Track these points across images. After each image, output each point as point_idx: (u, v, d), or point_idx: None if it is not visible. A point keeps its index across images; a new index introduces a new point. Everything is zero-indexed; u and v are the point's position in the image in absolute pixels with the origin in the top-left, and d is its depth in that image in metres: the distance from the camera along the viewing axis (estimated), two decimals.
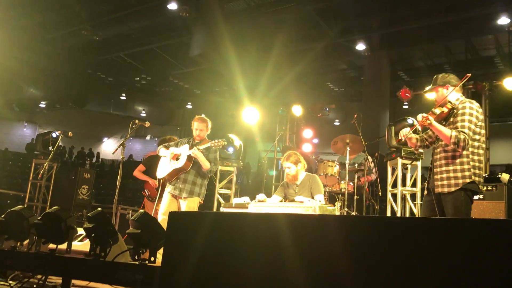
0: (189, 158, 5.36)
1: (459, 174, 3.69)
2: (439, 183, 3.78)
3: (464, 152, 3.71)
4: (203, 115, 5.73)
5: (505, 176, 6.23)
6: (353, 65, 18.21)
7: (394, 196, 7.37)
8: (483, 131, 3.83)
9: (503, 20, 11.97)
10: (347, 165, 7.09)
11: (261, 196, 5.36)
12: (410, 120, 6.55)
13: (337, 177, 7.31)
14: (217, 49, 14.29)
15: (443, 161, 3.80)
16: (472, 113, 3.75)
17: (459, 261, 1.69)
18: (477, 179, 3.70)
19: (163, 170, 5.59)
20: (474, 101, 3.88)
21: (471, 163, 3.71)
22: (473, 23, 12.78)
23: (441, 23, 12.76)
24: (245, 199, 5.49)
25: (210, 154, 5.47)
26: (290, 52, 14.97)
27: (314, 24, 13.86)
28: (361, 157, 7.63)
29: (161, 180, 5.74)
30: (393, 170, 7.07)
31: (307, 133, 11.10)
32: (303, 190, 5.56)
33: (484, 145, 3.85)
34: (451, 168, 3.73)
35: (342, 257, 1.90)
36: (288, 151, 5.92)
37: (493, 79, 8.71)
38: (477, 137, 3.75)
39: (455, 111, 3.82)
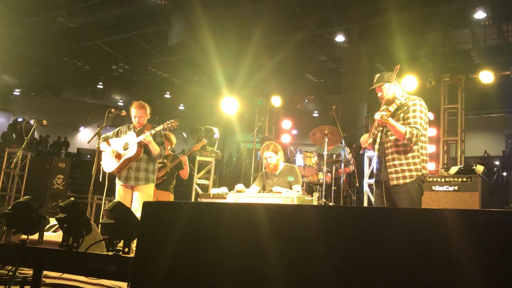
0: (140, 144, 5.23)
1: (412, 167, 3.89)
2: (394, 176, 3.93)
3: (415, 147, 3.92)
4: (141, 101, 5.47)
5: (479, 168, 6.37)
6: (332, 56, 18.24)
7: (371, 187, 7.44)
8: (428, 126, 4.06)
9: (479, 15, 12.10)
10: (325, 156, 7.12)
11: (239, 186, 5.34)
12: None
13: (315, 168, 7.35)
14: (196, 38, 14.12)
15: (395, 155, 3.96)
16: (423, 110, 3.98)
17: (428, 248, 1.74)
18: (425, 171, 3.95)
19: (110, 163, 5.37)
20: (421, 98, 4.07)
21: (421, 156, 3.94)
22: (450, 17, 12.89)
23: (419, 16, 12.85)
24: (223, 190, 5.47)
25: (157, 137, 5.34)
26: (269, 42, 14.90)
27: (293, 14, 13.77)
28: (339, 148, 7.67)
29: (106, 174, 5.43)
30: (370, 161, 7.13)
31: (286, 124, 11.11)
32: (281, 180, 5.56)
33: (428, 140, 4.06)
34: (404, 161, 3.91)
35: (319, 246, 1.90)
36: (266, 142, 5.91)
37: (469, 72, 8.81)
38: (424, 132, 3.96)
39: (405, 107, 4.01)
